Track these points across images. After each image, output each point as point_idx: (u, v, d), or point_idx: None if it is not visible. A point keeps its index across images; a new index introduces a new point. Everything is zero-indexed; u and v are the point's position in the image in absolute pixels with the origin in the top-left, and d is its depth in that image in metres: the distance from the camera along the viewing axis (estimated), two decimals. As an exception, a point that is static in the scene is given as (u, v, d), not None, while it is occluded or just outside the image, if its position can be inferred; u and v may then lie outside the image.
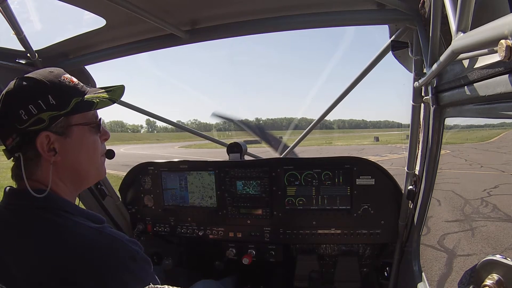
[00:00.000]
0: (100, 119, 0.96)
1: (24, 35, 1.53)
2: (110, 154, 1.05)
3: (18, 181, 0.88)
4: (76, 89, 0.89)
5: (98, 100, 0.90)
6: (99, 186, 2.15)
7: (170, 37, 1.65)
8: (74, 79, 0.91)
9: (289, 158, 2.12)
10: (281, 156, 2.27)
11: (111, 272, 0.79)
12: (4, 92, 0.84)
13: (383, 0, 1.33)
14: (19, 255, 0.79)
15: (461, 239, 5.01)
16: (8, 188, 0.89)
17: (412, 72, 1.47)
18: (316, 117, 2.12)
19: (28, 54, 1.65)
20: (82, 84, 0.94)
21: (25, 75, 0.86)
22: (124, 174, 2.36)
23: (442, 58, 0.90)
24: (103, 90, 0.95)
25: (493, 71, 0.79)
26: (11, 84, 0.85)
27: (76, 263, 0.77)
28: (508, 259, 0.74)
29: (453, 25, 0.79)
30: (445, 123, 1.38)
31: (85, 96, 0.90)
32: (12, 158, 0.87)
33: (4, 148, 0.86)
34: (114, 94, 0.95)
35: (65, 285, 0.76)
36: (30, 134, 0.82)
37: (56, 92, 0.84)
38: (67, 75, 0.90)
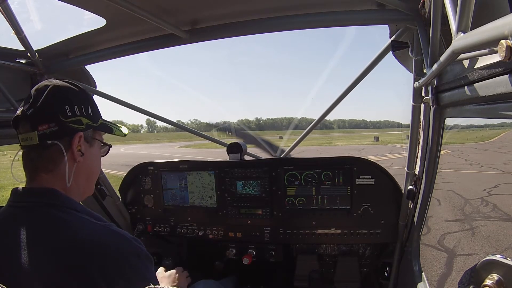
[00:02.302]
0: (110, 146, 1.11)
1: (24, 35, 1.52)
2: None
3: (33, 173, 0.91)
4: (100, 114, 1.04)
5: (115, 129, 1.07)
6: (99, 186, 2.15)
7: (170, 37, 1.65)
8: None
9: (289, 158, 2.12)
10: (281, 156, 2.27)
11: (116, 267, 0.83)
12: (54, 84, 0.92)
13: (383, 0, 1.33)
14: (27, 251, 0.81)
15: (461, 238, 5.01)
16: (15, 188, 0.92)
17: (412, 72, 1.47)
18: (316, 117, 2.12)
19: (28, 54, 1.65)
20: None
21: (74, 83, 0.97)
22: (124, 174, 2.36)
23: (442, 58, 0.90)
24: (116, 124, 1.11)
25: (493, 71, 0.79)
26: (58, 81, 0.94)
27: (84, 257, 0.80)
28: (508, 259, 0.74)
29: (453, 25, 0.79)
30: (445, 123, 1.38)
31: (105, 122, 1.04)
32: (26, 150, 0.91)
33: (32, 132, 0.88)
34: (124, 130, 1.11)
35: (73, 278, 0.78)
36: (68, 129, 0.90)
37: (94, 106, 0.99)
38: None
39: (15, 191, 0.92)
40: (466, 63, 0.99)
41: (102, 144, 1.05)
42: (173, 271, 1.70)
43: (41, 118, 0.88)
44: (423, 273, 1.67)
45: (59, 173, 0.90)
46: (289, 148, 2.33)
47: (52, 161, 0.90)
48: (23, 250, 0.81)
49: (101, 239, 0.84)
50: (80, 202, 1.08)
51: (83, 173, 0.97)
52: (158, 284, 0.88)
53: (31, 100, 0.88)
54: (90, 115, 0.95)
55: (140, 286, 0.78)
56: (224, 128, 2.67)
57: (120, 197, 2.32)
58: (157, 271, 1.68)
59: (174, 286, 1.53)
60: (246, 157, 2.24)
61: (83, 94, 0.97)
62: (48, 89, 0.90)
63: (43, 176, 0.90)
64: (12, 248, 0.82)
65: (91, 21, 1.51)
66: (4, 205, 0.94)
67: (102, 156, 1.08)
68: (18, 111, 0.89)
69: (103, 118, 1.04)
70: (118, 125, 1.11)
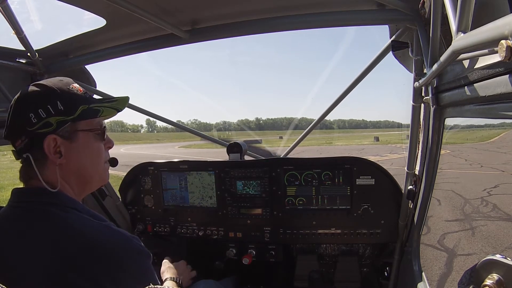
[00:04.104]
0: (104, 127, 1.01)
1: (24, 35, 1.52)
2: (114, 162, 1.12)
3: (26, 181, 0.92)
4: (83, 98, 0.95)
5: (103, 109, 0.97)
6: None
7: (170, 37, 1.65)
8: (82, 89, 0.98)
9: (289, 158, 2.12)
10: (281, 156, 2.27)
11: (120, 266, 0.83)
12: (16, 97, 0.90)
13: (383, 0, 1.33)
14: (28, 251, 0.81)
15: (461, 238, 5.01)
16: (15, 188, 0.92)
17: (412, 72, 1.47)
18: (316, 117, 2.12)
19: (28, 54, 1.65)
20: (89, 94, 1.00)
21: (37, 82, 0.92)
22: (124, 174, 2.36)
23: (442, 58, 0.90)
24: (109, 100, 1.02)
25: (493, 71, 0.79)
26: (23, 90, 0.91)
27: (85, 255, 0.80)
28: (508, 259, 0.74)
29: (453, 25, 0.79)
30: (445, 123, 1.38)
31: (91, 105, 0.96)
32: (20, 160, 0.92)
33: (13, 149, 0.92)
34: (119, 104, 1.02)
35: (76, 278, 0.78)
36: (38, 137, 0.87)
37: (64, 98, 0.90)
38: (76, 85, 0.96)
39: (15, 191, 0.92)
40: (466, 63, 0.99)
41: (92, 132, 0.96)
42: (181, 262, 1.71)
43: (14, 136, 0.89)
44: (423, 273, 1.67)
45: (46, 178, 0.89)
46: (289, 148, 2.33)
47: (35, 172, 0.88)
48: (23, 250, 0.82)
49: (103, 238, 0.84)
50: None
51: (72, 172, 0.94)
52: (158, 282, 0.90)
53: (6, 121, 0.90)
54: (60, 111, 0.88)
55: (142, 283, 0.79)
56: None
57: (120, 197, 2.32)
58: (163, 262, 1.68)
59: (180, 277, 1.55)
60: (246, 157, 2.24)
61: (46, 92, 0.89)
62: (12, 103, 0.89)
63: (34, 182, 0.89)
64: (13, 248, 0.82)
65: (91, 21, 1.51)
66: (3, 205, 0.95)
67: (103, 142, 1.01)
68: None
69: (91, 100, 0.97)
70: (111, 98, 1.03)
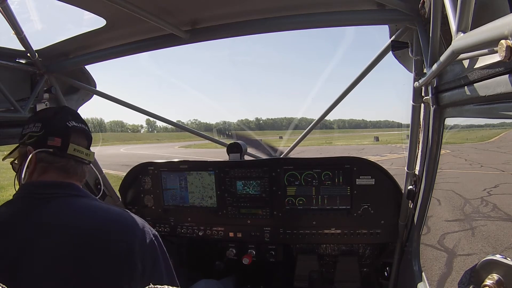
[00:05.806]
0: None
1: (24, 35, 1.52)
2: None
3: (64, 178, 1.04)
4: None
5: None
6: (99, 186, 2.15)
7: (170, 37, 1.65)
8: None
9: (289, 158, 2.12)
10: (281, 156, 2.27)
11: (145, 246, 0.94)
12: (78, 113, 1.14)
13: (383, 0, 1.32)
14: (61, 237, 0.89)
15: (461, 238, 5.01)
16: (30, 181, 1.01)
17: (412, 72, 1.47)
18: (316, 117, 2.12)
19: (28, 54, 1.65)
20: None
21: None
22: (124, 174, 2.36)
23: (442, 58, 0.90)
24: None
25: (493, 71, 0.79)
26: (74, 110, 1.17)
27: (111, 231, 0.91)
28: (508, 259, 0.74)
29: (453, 25, 0.79)
30: (445, 123, 1.38)
31: None
32: (59, 159, 1.04)
33: (87, 151, 1.11)
34: None
35: (113, 258, 0.89)
36: None
37: None
38: None
39: (31, 184, 0.99)
40: (466, 63, 0.99)
41: None
42: None
43: (91, 141, 1.13)
44: (423, 273, 1.67)
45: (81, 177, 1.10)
46: (289, 148, 2.33)
47: (85, 177, 1.11)
48: (57, 236, 0.88)
49: (126, 217, 0.98)
50: None
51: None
52: (171, 268, 1.03)
53: (85, 124, 1.12)
54: None
55: (160, 264, 0.95)
56: (224, 130, 2.69)
57: (120, 197, 2.33)
58: None
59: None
60: (246, 157, 2.24)
61: None
62: (82, 121, 1.13)
63: (72, 184, 1.04)
64: (44, 235, 0.88)
65: (91, 21, 1.51)
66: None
67: None
68: (75, 124, 1.07)
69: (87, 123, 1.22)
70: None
